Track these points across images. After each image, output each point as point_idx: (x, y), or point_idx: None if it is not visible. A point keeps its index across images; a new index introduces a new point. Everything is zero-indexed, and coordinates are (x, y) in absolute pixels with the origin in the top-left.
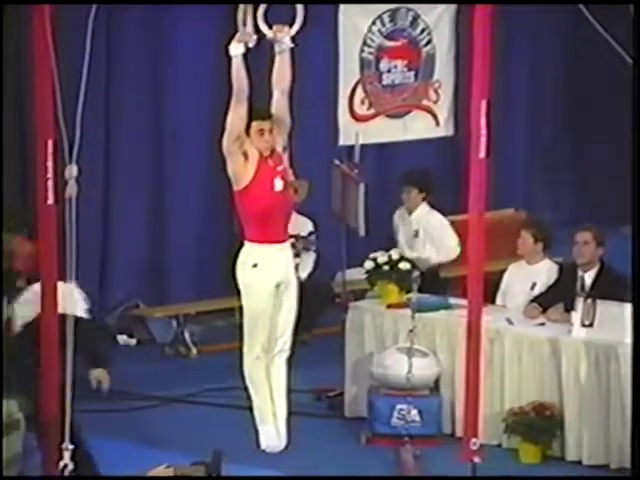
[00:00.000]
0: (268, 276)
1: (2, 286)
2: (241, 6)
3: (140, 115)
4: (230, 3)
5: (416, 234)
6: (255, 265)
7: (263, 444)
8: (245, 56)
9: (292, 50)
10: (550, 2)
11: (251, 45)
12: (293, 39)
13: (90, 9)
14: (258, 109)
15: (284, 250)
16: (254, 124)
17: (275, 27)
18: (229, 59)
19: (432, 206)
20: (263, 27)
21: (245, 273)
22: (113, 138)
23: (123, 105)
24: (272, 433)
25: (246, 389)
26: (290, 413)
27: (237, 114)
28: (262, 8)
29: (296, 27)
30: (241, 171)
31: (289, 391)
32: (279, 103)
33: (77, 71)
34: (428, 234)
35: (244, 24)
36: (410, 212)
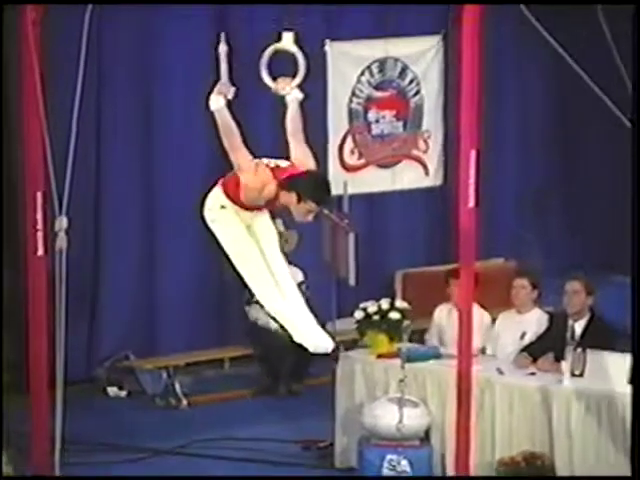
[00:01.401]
0: (237, 216)
1: (2, 288)
2: (221, 56)
3: (130, 164)
4: (224, 4)
5: None
6: (223, 207)
7: (312, 348)
8: (229, 105)
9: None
10: (550, 2)
11: (230, 97)
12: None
13: (80, 45)
14: (328, 196)
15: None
16: (310, 205)
17: (280, 80)
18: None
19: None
20: (267, 79)
21: (213, 214)
22: (102, 186)
23: (113, 150)
24: (317, 336)
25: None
26: (279, 464)
27: (246, 157)
28: (265, 60)
29: (298, 79)
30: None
31: (279, 441)
32: (298, 151)
33: (66, 116)
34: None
35: (228, 74)
36: None
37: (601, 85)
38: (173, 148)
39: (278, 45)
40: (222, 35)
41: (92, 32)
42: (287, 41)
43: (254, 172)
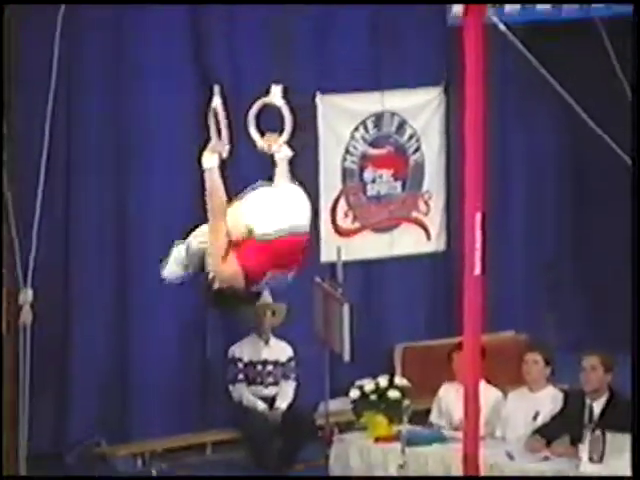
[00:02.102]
0: None
1: (2, 287)
2: (217, 112)
3: (101, 231)
4: (212, 3)
5: None
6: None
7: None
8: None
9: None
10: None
11: (225, 156)
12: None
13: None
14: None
15: None
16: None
17: (267, 135)
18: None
19: None
20: (254, 136)
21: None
22: (71, 256)
23: (82, 215)
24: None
25: None
26: None
27: (221, 233)
28: (252, 115)
29: (285, 136)
30: None
31: None
32: None
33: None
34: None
35: (218, 133)
36: None
37: (618, 141)
38: (149, 210)
39: (266, 99)
40: (216, 88)
41: (62, 78)
42: (275, 94)
43: (223, 259)
